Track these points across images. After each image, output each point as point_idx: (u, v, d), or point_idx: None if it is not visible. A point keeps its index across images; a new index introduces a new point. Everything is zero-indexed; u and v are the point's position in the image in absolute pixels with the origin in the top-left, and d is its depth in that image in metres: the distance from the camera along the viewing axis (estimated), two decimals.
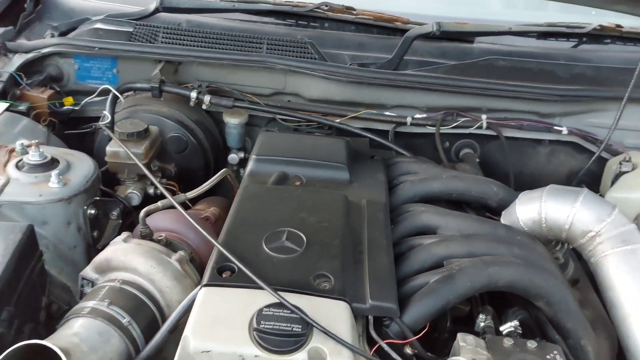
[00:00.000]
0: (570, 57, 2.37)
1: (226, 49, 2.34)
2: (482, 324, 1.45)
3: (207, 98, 2.23)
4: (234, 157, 2.36)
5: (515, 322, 1.44)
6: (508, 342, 1.32)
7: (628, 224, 1.55)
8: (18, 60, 2.27)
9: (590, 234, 1.56)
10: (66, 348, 1.29)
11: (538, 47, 2.53)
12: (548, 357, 1.29)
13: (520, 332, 1.42)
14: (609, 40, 2.55)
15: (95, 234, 1.88)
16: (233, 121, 2.30)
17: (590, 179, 2.21)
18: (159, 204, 1.71)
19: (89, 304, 1.51)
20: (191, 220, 1.63)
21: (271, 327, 1.20)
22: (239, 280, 1.33)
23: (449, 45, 2.48)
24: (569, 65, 2.33)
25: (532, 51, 2.47)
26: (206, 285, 1.34)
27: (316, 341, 1.20)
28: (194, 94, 2.22)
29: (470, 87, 2.22)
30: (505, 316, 1.50)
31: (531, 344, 1.31)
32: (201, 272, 1.72)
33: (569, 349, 1.44)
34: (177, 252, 1.67)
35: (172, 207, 1.72)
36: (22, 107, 2.15)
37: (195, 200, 2.08)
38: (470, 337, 1.34)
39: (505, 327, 1.43)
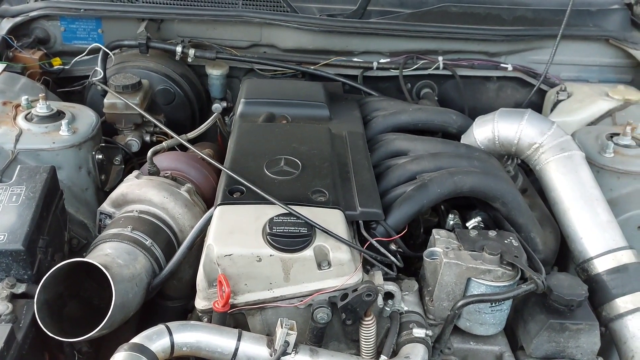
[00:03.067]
0: (512, 1, 2.66)
1: (204, 6, 2.51)
2: (451, 222, 1.74)
3: (191, 51, 2.41)
4: (217, 107, 2.54)
5: (478, 218, 1.74)
6: (473, 233, 1.61)
7: (565, 135, 1.86)
8: (6, 24, 2.39)
9: (535, 146, 1.86)
10: (104, 263, 1.49)
11: None
12: (506, 241, 1.58)
13: (482, 226, 1.73)
14: None
15: (102, 177, 2.08)
16: (215, 72, 2.49)
17: (533, 109, 2.52)
18: (164, 144, 1.90)
19: (112, 231, 1.72)
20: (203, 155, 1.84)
21: (282, 231, 1.44)
22: (247, 199, 1.56)
23: None
24: (511, 8, 2.62)
25: None
26: (220, 204, 1.56)
27: (319, 241, 1.46)
28: (179, 49, 2.40)
29: (427, 32, 2.50)
30: (468, 216, 1.79)
31: (492, 233, 1.61)
32: (205, 203, 1.95)
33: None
34: (184, 185, 1.88)
35: (176, 146, 1.92)
36: (17, 67, 2.29)
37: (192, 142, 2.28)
38: (442, 231, 1.63)
39: (471, 223, 1.74)
